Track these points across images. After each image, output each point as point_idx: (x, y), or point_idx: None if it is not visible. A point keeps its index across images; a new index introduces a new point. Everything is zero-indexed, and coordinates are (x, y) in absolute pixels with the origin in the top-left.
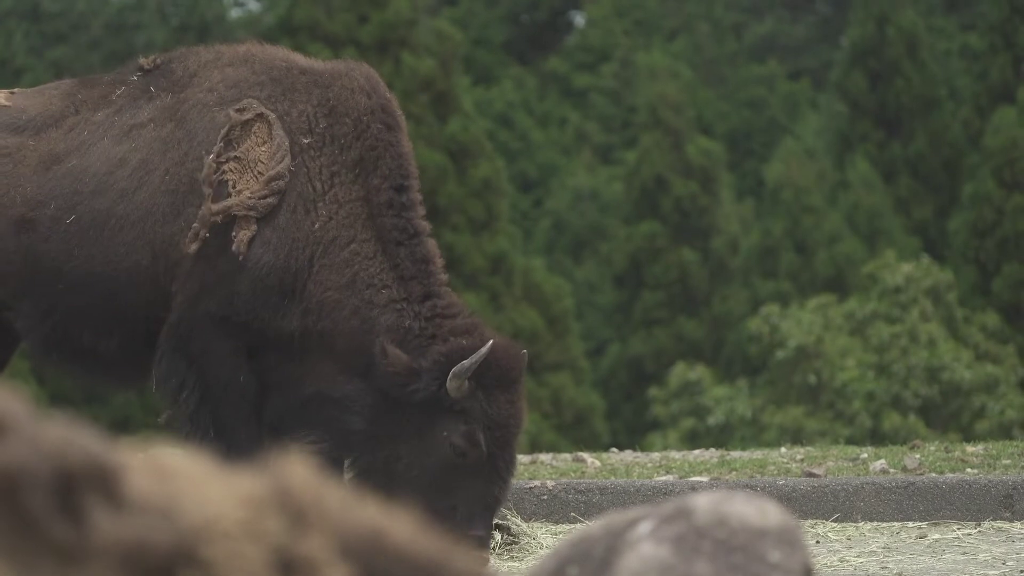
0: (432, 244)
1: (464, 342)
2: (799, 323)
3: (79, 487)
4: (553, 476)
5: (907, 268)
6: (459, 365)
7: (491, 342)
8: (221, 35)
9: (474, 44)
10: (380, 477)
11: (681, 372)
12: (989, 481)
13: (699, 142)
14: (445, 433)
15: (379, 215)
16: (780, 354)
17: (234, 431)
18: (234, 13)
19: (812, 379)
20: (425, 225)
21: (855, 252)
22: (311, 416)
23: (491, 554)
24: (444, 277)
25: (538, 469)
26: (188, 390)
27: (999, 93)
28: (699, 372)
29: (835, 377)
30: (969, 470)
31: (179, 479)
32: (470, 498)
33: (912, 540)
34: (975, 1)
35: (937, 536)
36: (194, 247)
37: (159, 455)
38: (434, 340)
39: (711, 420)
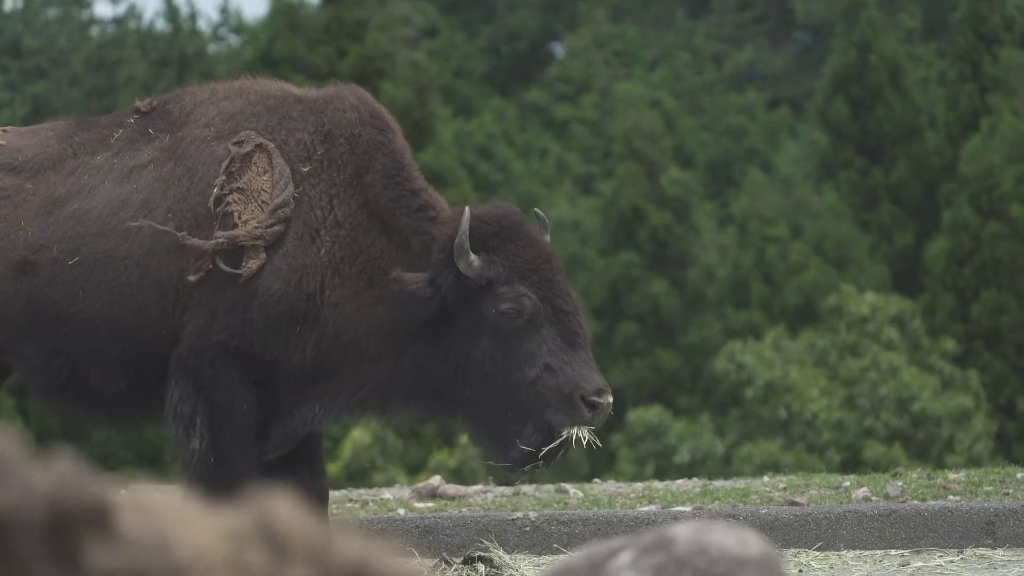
0: (431, 194)
1: (447, 229)
2: (763, 360)
3: (72, 529)
4: (536, 507)
5: (871, 298)
6: (455, 243)
7: (467, 207)
8: (201, 69)
9: (455, 75)
10: (483, 394)
11: (640, 415)
12: (971, 508)
13: (672, 172)
14: (493, 310)
15: (376, 205)
16: (749, 392)
17: (232, 460)
18: (214, 47)
19: (783, 413)
20: (422, 184)
21: (825, 281)
22: (375, 409)
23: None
24: (442, 204)
25: (520, 500)
26: (200, 416)
27: (969, 121)
28: (656, 413)
29: (805, 409)
30: (951, 497)
31: (164, 516)
32: (558, 349)
33: (895, 568)
34: (952, 28)
35: (920, 564)
36: (197, 277)
37: (142, 492)
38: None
39: (677, 459)
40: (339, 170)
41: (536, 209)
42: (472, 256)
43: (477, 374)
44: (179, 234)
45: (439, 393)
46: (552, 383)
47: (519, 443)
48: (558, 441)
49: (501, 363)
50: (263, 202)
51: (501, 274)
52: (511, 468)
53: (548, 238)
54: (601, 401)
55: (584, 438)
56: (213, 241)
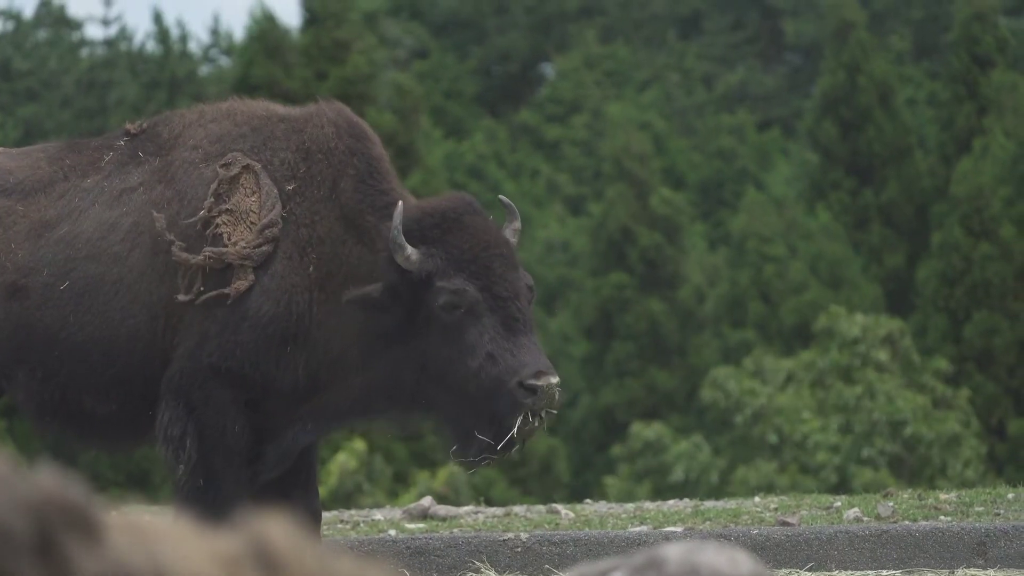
0: (400, 194)
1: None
2: (744, 389)
3: (59, 543)
4: (527, 528)
5: (861, 319)
6: (389, 238)
7: (400, 202)
8: (192, 91)
9: (445, 97)
10: (441, 389)
11: (639, 430)
12: (962, 528)
13: (663, 192)
14: (435, 304)
15: (348, 211)
16: (739, 418)
17: (223, 481)
18: (204, 69)
19: (773, 438)
20: (393, 186)
21: (821, 301)
22: (359, 416)
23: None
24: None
25: (512, 521)
26: (190, 438)
27: (963, 142)
28: (656, 429)
29: (795, 431)
30: (942, 518)
31: (158, 538)
32: (499, 337)
33: None
34: (944, 49)
35: None
36: (188, 298)
37: (133, 514)
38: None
39: (671, 478)
40: (319, 186)
41: (501, 196)
42: (409, 250)
43: (434, 369)
44: (173, 247)
45: (411, 394)
46: (494, 372)
47: (475, 434)
48: (507, 429)
49: (448, 356)
50: (251, 223)
51: (439, 267)
52: (471, 458)
53: (517, 225)
54: (540, 383)
55: (533, 423)
56: (201, 256)
